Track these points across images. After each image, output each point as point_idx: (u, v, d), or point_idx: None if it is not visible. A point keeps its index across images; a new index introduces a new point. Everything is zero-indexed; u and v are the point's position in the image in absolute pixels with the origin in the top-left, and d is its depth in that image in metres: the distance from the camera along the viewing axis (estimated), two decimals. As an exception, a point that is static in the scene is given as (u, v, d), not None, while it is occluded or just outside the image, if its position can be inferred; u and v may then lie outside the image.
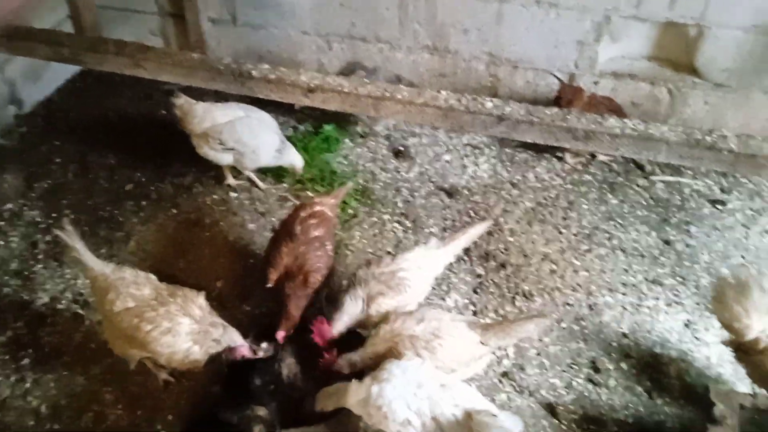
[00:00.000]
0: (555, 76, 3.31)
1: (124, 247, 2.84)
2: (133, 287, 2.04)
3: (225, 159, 2.98)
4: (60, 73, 3.71)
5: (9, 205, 3.03)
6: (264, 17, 3.60)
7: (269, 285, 2.33)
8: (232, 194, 3.11)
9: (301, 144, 3.31)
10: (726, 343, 2.15)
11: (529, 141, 1.98)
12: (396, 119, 3.12)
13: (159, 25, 3.83)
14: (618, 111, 3.14)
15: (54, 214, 2.99)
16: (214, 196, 3.09)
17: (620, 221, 2.98)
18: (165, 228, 2.94)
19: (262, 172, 3.21)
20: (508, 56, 3.41)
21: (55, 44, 2.25)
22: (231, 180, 3.12)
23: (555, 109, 1.95)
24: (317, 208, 2.49)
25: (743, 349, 2.09)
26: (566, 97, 3.10)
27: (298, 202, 3.05)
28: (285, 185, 3.17)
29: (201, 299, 2.09)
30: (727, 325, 2.10)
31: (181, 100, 2.87)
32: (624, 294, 2.64)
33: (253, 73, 2.10)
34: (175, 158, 3.28)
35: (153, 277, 2.15)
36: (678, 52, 3.25)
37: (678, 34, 3.17)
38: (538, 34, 3.27)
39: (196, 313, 2.05)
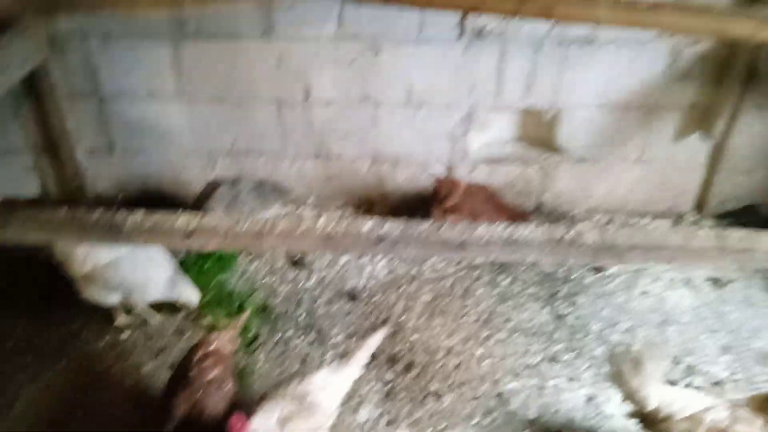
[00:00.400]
0: (431, 171, 3.47)
1: (8, 414, 2.61)
2: None
3: (112, 299, 2.86)
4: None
5: None
6: (142, 143, 3.58)
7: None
8: (124, 334, 2.97)
9: (196, 267, 3.25)
10: (630, 416, 2.25)
11: (409, 257, 2.06)
12: (278, 250, 3.15)
13: (33, 163, 3.69)
14: (492, 197, 3.34)
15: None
16: (106, 340, 2.94)
17: (513, 301, 3.11)
18: (54, 384, 2.74)
19: (157, 305, 3.10)
20: (388, 155, 3.56)
21: None
22: (121, 320, 2.99)
23: (428, 223, 2.05)
24: (213, 346, 2.43)
25: (647, 420, 2.20)
26: (443, 190, 3.26)
27: (197, 332, 2.97)
28: (181, 315, 3.07)
29: None
30: (628, 398, 2.21)
31: (61, 244, 2.76)
32: (528, 377, 2.72)
33: (127, 223, 2.06)
34: (58, 303, 3.10)
35: None
36: (542, 133, 3.52)
37: (538, 118, 3.45)
38: (411, 133, 3.45)
39: None
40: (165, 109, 3.46)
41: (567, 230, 1.99)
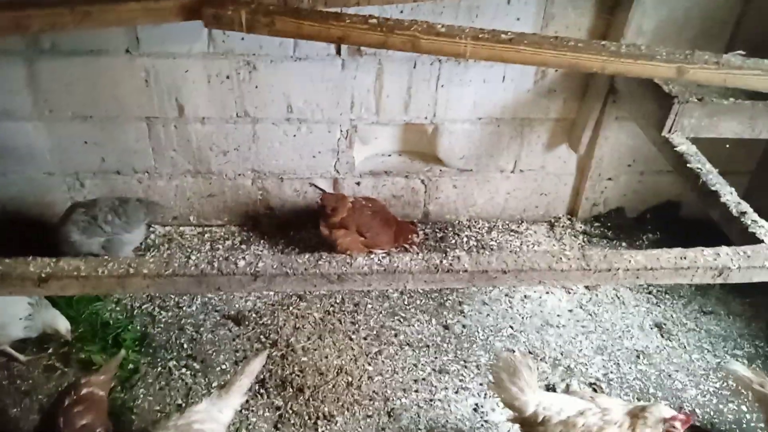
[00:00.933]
0: (315, 186, 3.45)
1: None
2: None
3: None
4: None
5: None
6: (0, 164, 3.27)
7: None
8: (-15, 377, 2.72)
9: (65, 299, 3.01)
10: (511, 421, 2.35)
11: (288, 291, 2.01)
12: (146, 293, 3.00)
13: None
14: (381, 211, 3.36)
15: None
16: (-38, 385, 2.67)
17: (403, 314, 3.15)
18: None
19: (22, 341, 2.85)
20: (272, 170, 3.48)
21: None
22: None
23: (307, 256, 2.01)
24: (84, 391, 2.27)
25: (526, 424, 2.30)
26: (330, 205, 3.23)
27: (68, 369, 2.77)
28: (50, 351, 2.85)
29: None
30: (508, 405, 2.30)
31: None
32: (417, 391, 2.77)
33: (-28, 271, 1.87)
34: None
35: None
36: (423, 146, 3.58)
37: (419, 132, 3.50)
38: (294, 148, 3.39)
39: None
40: (23, 128, 3.18)
41: (442, 258, 2.03)
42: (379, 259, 2.01)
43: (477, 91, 3.30)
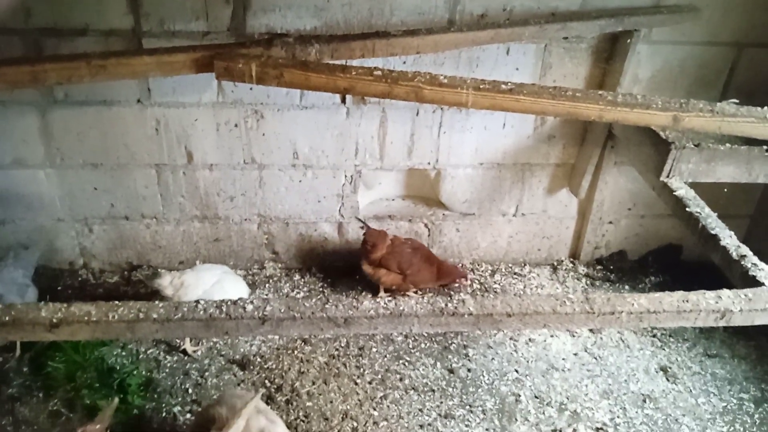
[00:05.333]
0: (360, 220, 3.48)
1: None
2: None
3: None
4: None
5: None
6: (9, 212, 3.33)
7: None
8: (-11, 424, 2.70)
9: (71, 344, 3.02)
10: None
11: (295, 336, 2.03)
12: (156, 338, 3.02)
13: None
14: (421, 248, 3.41)
15: None
16: (-35, 434, 2.66)
17: (408, 358, 3.15)
18: None
19: (25, 387, 2.86)
20: (278, 215, 3.53)
21: None
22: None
23: (313, 301, 2.04)
24: (77, 445, 2.26)
25: None
26: (371, 240, 3.29)
27: (73, 415, 2.76)
28: (56, 399, 2.84)
29: None
30: None
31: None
32: (422, 437, 2.76)
33: (-17, 317, 1.90)
34: None
35: None
36: (426, 191, 3.65)
37: (422, 176, 3.57)
38: (299, 193, 3.46)
39: None
40: (35, 176, 3.25)
41: (447, 302, 2.06)
42: (384, 303, 2.04)
43: (478, 137, 3.38)
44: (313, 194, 3.48)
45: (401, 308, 2.04)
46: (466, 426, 2.82)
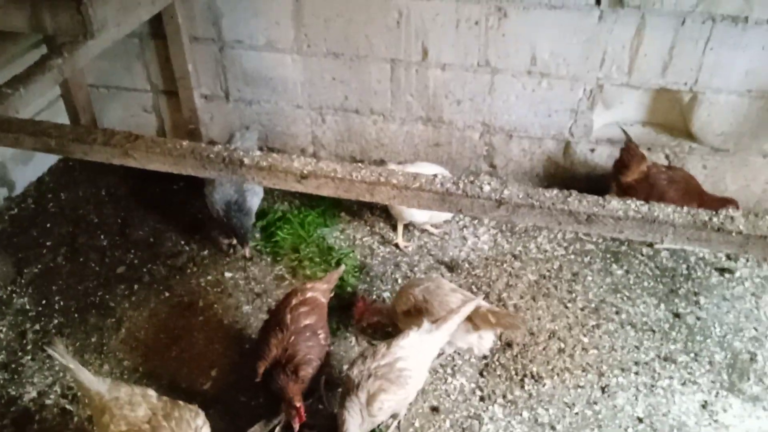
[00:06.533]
0: (623, 131, 3.12)
1: (115, 335, 2.73)
2: (127, 408, 1.94)
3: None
4: (52, 153, 3.68)
5: (-3, 293, 2.94)
6: (256, 93, 3.60)
7: (258, 380, 2.23)
8: (227, 274, 3.03)
9: (298, 219, 3.26)
10: None
11: (529, 224, 1.92)
12: (391, 203, 3.07)
13: (152, 102, 3.83)
14: (684, 180, 2.97)
15: (44, 301, 2.90)
16: (208, 277, 3.01)
17: (627, 293, 2.89)
18: (157, 313, 2.84)
19: (257, 250, 3.15)
20: (502, 125, 3.39)
21: (42, 135, 2.20)
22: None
23: (555, 191, 1.89)
24: (309, 294, 2.41)
25: None
26: (625, 159, 3.00)
27: (294, 281, 2.98)
28: (281, 265, 3.09)
29: (199, 420, 1.98)
30: None
31: None
32: (637, 374, 2.52)
33: (245, 160, 2.04)
34: (167, 238, 3.22)
35: (151, 393, 2.05)
36: (673, 117, 3.23)
37: (672, 100, 3.16)
38: (530, 104, 3.26)
39: None
40: (282, 60, 3.46)
41: (713, 215, 1.78)
42: (636, 206, 1.83)
43: (753, 58, 2.87)
44: (545, 106, 3.26)
45: (655, 213, 1.81)
46: (689, 373, 2.53)
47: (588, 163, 3.36)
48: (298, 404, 2.15)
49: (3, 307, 2.88)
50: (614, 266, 3.02)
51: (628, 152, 3.00)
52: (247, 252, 3.07)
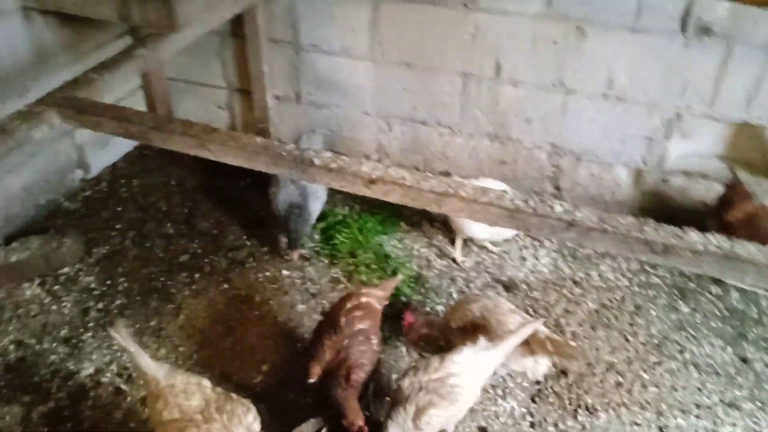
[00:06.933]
0: (729, 167, 3.00)
1: (174, 321, 2.80)
2: (181, 396, 1.96)
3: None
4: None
5: (66, 269, 3.05)
6: (327, 97, 3.66)
7: (311, 380, 2.24)
8: (285, 272, 3.06)
9: (357, 225, 3.27)
10: None
11: (600, 250, 1.86)
12: (458, 216, 3.05)
13: (226, 99, 3.93)
14: None
15: (108, 282, 3.00)
16: (267, 273, 3.05)
17: (692, 332, 2.76)
18: (215, 303, 2.89)
19: (315, 251, 3.18)
20: (572, 148, 3.32)
21: (124, 121, 2.29)
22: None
23: (630, 219, 1.83)
24: (364, 299, 2.41)
25: None
26: (731, 194, 2.87)
27: (350, 285, 2.98)
28: (337, 268, 3.11)
29: (250, 416, 1.99)
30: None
31: None
32: (698, 417, 2.40)
33: (315, 161, 2.07)
34: (230, 231, 3.29)
35: (206, 383, 2.06)
36: (752, 153, 3.09)
37: (754, 136, 3.02)
38: (603, 128, 3.19)
39: None
40: (355, 66, 3.50)
41: (803, 257, 1.69)
42: (718, 240, 1.75)
43: None
44: (618, 132, 3.18)
45: (737, 250, 1.72)
46: (754, 422, 2.40)
47: (660, 194, 3.26)
48: (361, 422, 2.14)
49: (69, 284, 2.99)
50: (680, 303, 2.90)
51: (734, 190, 2.86)
52: (295, 257, 3.09)
